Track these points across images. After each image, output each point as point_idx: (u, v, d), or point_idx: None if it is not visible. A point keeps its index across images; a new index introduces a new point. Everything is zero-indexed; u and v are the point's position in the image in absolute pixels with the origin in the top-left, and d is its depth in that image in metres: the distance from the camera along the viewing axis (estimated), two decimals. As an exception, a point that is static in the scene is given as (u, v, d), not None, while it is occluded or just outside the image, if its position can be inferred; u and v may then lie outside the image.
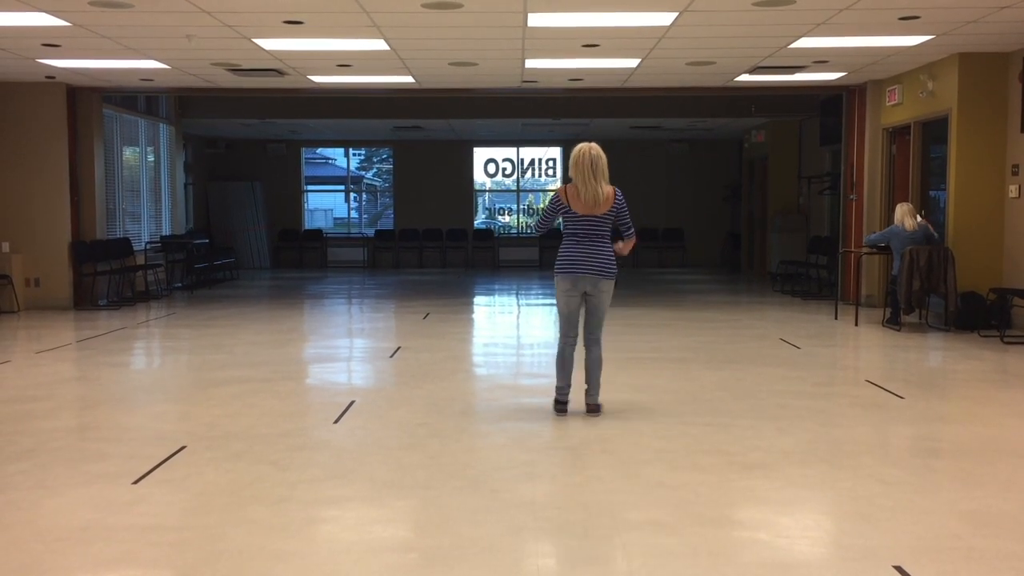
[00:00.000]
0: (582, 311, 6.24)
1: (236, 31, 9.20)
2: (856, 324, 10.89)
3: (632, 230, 6.15)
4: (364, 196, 24.40)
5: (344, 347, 9.85)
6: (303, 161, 22.19)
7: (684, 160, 21.45)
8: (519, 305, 13.99)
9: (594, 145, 6.06)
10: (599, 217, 6.01)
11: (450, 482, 4.78)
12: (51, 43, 9.89)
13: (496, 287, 16.88)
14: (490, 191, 23.13)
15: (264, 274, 19.54)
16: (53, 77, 12.21)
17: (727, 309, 12.80)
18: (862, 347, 9.73)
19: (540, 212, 6.43)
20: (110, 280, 13.33)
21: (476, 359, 9.19)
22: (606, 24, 8.85)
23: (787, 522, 4.21)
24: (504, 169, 22.39)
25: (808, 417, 6.23)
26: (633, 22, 8.80)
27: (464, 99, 15.34)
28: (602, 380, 6.35)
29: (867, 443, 5.66)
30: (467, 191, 22.02)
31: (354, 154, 23.69)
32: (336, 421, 6.17)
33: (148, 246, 14.94)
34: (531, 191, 23.21)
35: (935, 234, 10.51)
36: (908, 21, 8.83)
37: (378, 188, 24.97)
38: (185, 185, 17.99)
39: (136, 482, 4.78)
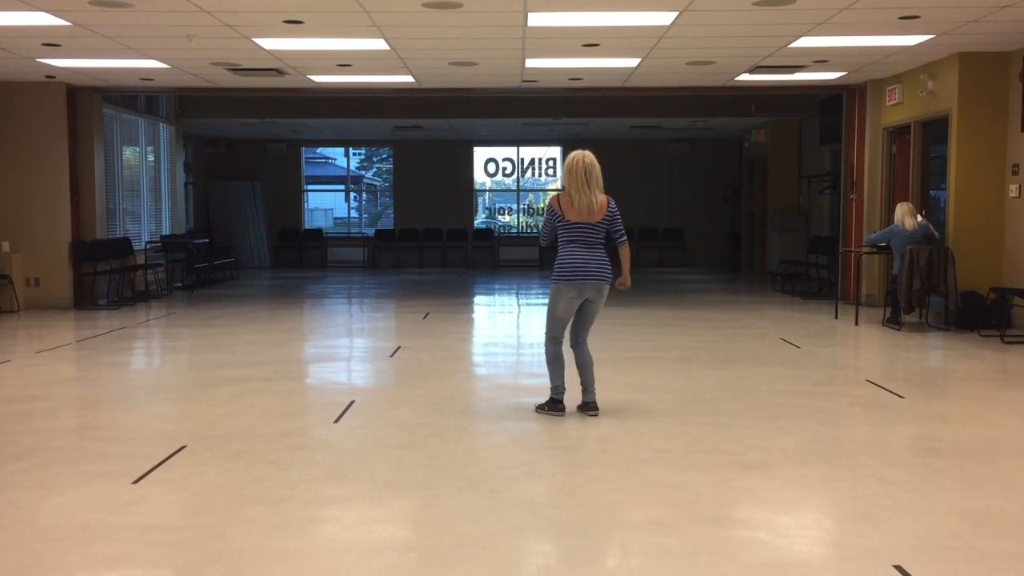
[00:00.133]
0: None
1: (236, 31, 9.20)
2: (856, 324, 10.89)
3: (625, 237, 6.18)
4: (364, 196, 24.41)
5: (344, 347, 9.85)
6: (303, 161, 22.20)
7: (684, 160, 21.45)
8: (519, 305, 13.99)
9: (587, 153, 6.10)
10: (594, 225, 6.04)
11: (450, 482, 4.78)
12: (51, 43, 9.89)
13: (496, 287, 16.89)
14: (490, 191, 23.13)
15: (264, 274, 19.55)
16: (53, 77, 12.21)
17: (727, 309, 12.80)
18: (862, 347, 9.73)
19: (541, 226, 6.47)
20: (110, 280, 13.33)
21: (476, 359, 9.19)
22: (606, 24, 8.85)
23: (787, 521, 4.21)
24: (504, 169, 22.39)
25: (808, 416, 6.23)
26: (633, 22, 8.80)
27: (464, 99, 15.34)
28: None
29: (867, 442, 5.66)
30: (467, 191, 22.02)
31: (354, 154, 23.70)
32: (336, 421, 6.17)
33: (148, 246, 14.94)
34: (531, 191, 23.22)
35: (935, 233, 10.51)
36: (908, 20, 8.83)
37: (378, 188, 24.98)
38: (185, 185, 17.99)
39: (136, 482, 4.78)
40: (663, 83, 12.79)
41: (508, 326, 11.93)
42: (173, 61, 11.02)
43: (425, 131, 19.50)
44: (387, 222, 22.82)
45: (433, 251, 21.70)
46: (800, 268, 14.87)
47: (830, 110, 14.36)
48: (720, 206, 21.21)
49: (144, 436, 5.79)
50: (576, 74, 11.98)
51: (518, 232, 22.34)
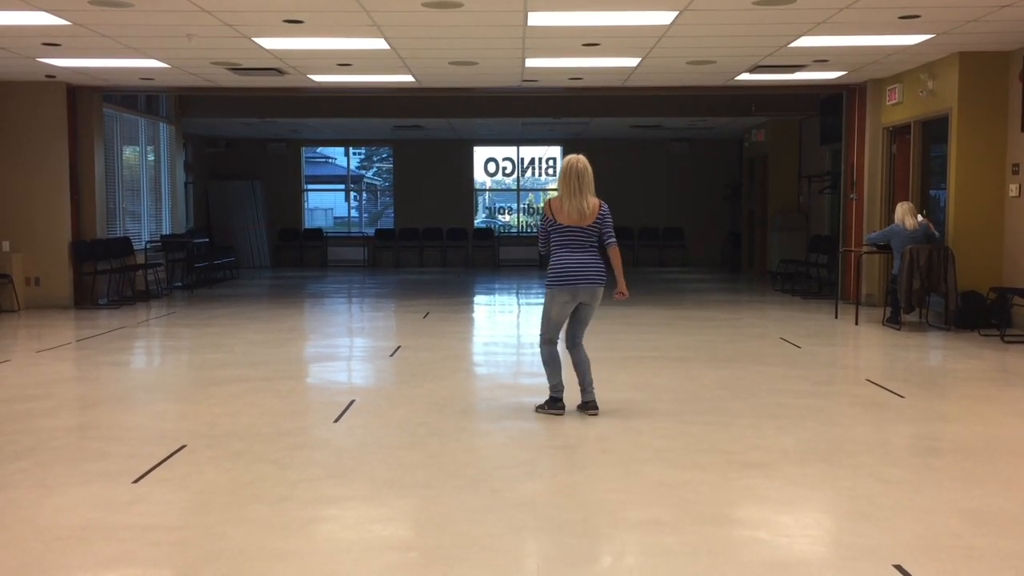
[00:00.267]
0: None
1: (236, 30, 9.20)
2: (856, 323, 10.89)
3: (614, 239, 6.17)
4: (364, 195, 24.40)
5: (344, 346, 9.85)
6: (303, 160, 22.20)
7: (684, 159, 21.44)
8: (519, 304, 13.98)
9: (581, 158, 6.13)
10: (585, 228, 6.06)
11: (450, 481, 4.78)
12: (51, 42, 9.89)
13: (496, 286, 16.89)
14: (490, 190, 23.13)
15: (264, 273, 19.55)
16: (53, 76, 12.21)
17: (727, 308, 12.80)
18: (862, 346, 9.73)
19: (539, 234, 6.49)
20: (110, 279, 13.33)
21: (476, 358, 9.19)
22: (606, 23, 8.85)
23: (787, 521, 4.21)
24: (504, 168, 22.39)
25: (808, 416, 6.23)
26: (633, 21, 8.80)
27: (464, 98, 15.34)
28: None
29: (867, 442, 5.66)
30: (467, 190, 22.02)
31: (354, 153, 23.69)
32: (336, 420, 6.17)
33: (148, 245, 14.94)
34: (531, 190, 23.22)
35: (935, 233, 10.50)
36: (908, 20, 8.83)
37: (378, 187, 24.98)
38: (185, 184, 17.99)
39: (136, 481, 4.78)
40: (663, 83, 12.78)
41: (508, 326, 11.92)
42: (173, 61, 11.02)
43: (425, 131, 19.50)
44: (387, 222, 22.81)
45: (433, 251, 21.70)
46: (800, 268, 14.87)
47: (830, 110, 14.36)
48: (720, 205, 21.20)
49: (144, 435, 5.79)
50: (576, 74, 11.98)
51: (518, 232, 22.34)
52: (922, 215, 10.64)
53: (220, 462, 5.13)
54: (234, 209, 20.60)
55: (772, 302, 13.54)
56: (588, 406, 6.25)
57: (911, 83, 11.57)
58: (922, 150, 11.61)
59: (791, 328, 10.55)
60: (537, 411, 6.31)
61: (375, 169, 25.49)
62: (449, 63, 11.15)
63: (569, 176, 6.05)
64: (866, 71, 11.90)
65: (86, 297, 13.04)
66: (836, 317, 11.50)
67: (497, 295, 15.61)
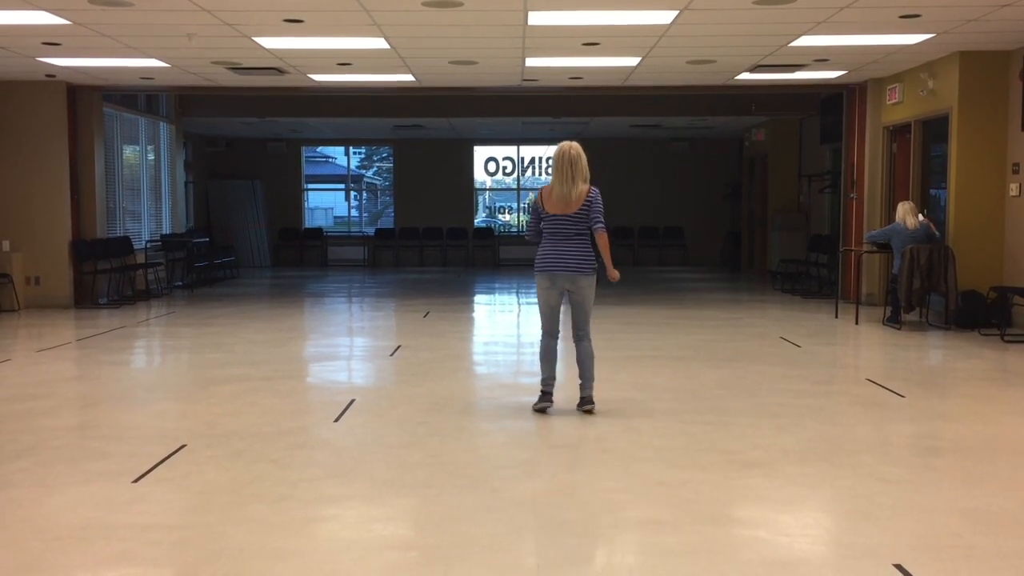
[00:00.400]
0: (565, 308, 6.27)
1: (236, 29, 9.20)
2: (856, 322, 10.89)
3: (601, 224, 6.04)
4: (364, 195, 24.41)
5: (344, 346, 9.85)
6: (303, 160, 22.19)
7: (684, 158, 21.44)
8: (519, 304, 13.98)
9: (575, 145, 6.09)
10: (571, 216, 6.03)
11: (450, 480, 4.78)
12: (51, 41, 9.89)
13: (496, 285, 16.89)
14: (490, 189, 23.13)
15: (264, 273, 19.55)
16: (53, 76, 12.21)
17: (727, 307, 12.80)
18: (862, 345, 9.73)
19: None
20: (110, 279, 13.33)
21: (476, 358, 9.19)
22: (606, 22, 8.85)
23: (787, 520, 4.21)
24: (504, 168, 22.39)
25: (808, 415, 6.23)
26: (633, 20, 8.80)
27: (464, 97, 15.34)
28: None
29: (867, 441, 5.65)
30: (467, 190, 22.02)
31: (354, 153, 23.69)
32: (336, 420, 6.17)
33: (148, 245, 14.94)
34: (531, 189, 23.19)
35: (936, 233, 10.50)
36: (908, 19, 8.83)
37: (378, 187, 24.98)
38: (185, 184, 17.99)
39: (136, 480, 4.78)
40: (663, 82, 12.78)
41: (508, 325, 11.92)
42: (173, 60, 11.02)
43: (425, 130, 19.50)
44: (387, 221, 22.82)
45: (433, 250, 21.70)
46: (800, 267, 14.87)
47: (830, 109, 14.36)
48: (720, 205, 21.20)
49: (144, 435, 5.79)
50: (576, 73, 11.98)
51: (518, 231, 22.33)
52: (923, 215, 10.64)
53: (220, 461, 5.13)
54: (234, 208, 20.61)
55: (772, 301, 13.54)
56: (582, 402, 6.24)
57: (911, 82, 11.57)
58: (922, 149, 11.61)
59: (791, 327, 10.55)
60: (535, 410, 6.31)
61: (375, 168, 25.50)
62: (449, 62, 11.15)
63: (562, 162, 6.00)
64: (866, 70, 11.89)
65: (86, 296, 13.04)
66: (836, 316, 11.50)
67: (497, 294, 15.61)
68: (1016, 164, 10.27)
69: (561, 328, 6.38)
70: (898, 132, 12.26)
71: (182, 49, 10.18)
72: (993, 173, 10.52)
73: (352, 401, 6.70)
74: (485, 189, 22.98)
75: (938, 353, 9.02)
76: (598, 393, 6.32)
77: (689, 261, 21.40)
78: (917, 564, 3.64)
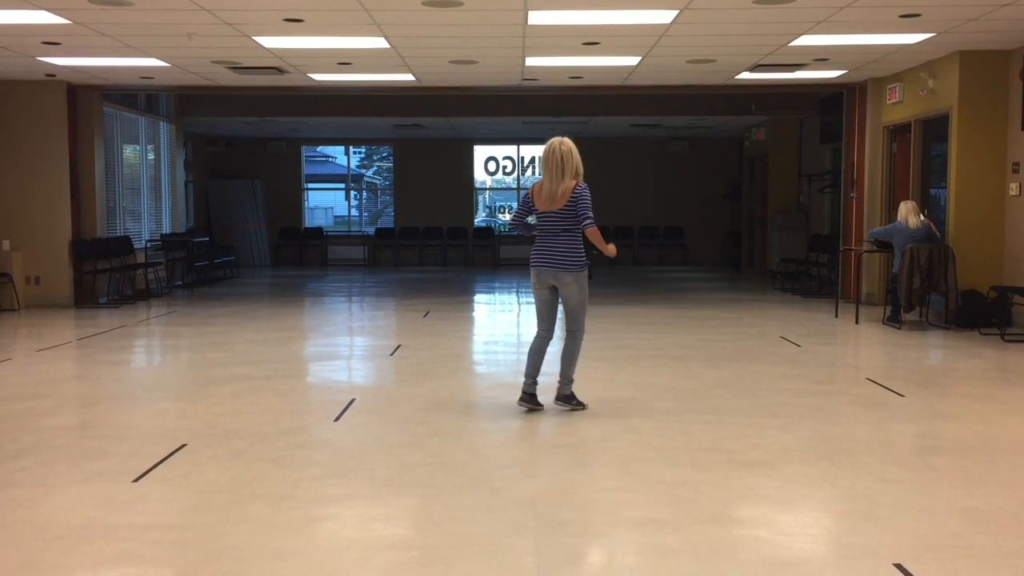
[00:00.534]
0: (559, 307, 6.27)
1: (236, 29, 9.19)
2: (856, 322, 10.89)
3: (589, 220, 5.96)
4: (364, 194, 24.41)
5: (344, 345, 9.85)
6: (303, 159, 22.19)
7: (684, 158, 21.44)
8: (519, 303, 13.98)
9: (565, 140, 6.05)
10: (557, 212, 6.01)
11: (450, 480, 4.78)
12: (51, 41, 9.89)
13: (496, 285, 16.88)
14: (490, 189, 23.13)
15: (264, 272, 19.55)
16: (53, 75, 12.21)
17: (727, 307, 12.79)
18: (862, 345, 9.73)
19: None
20: (110, 278, 13.33)
21: (476, 357, 9.19)
22: (606, 22, 8.85)
23: (787, 520, 4.21)
24: (504, 167, 22.39)
25: (808, 415, 6.23)
26: (633, 20, 8.80)
27: (464, 97, 15.34)
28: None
29: (867, 441, 5.65)
30: (467, 189, 22.02)
31: (354, 152, 23.69)
32: (337, 419, 6.17)
33: (148, 244, 14.94)
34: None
35: (937, 233, 10.49)
36: (909, 19, 8.83)
37: (378, 186, 24.98)
38: (185, 183, 17.99)
39: (136, 480, 4.78)
40: (663, 81, 12.78)
41: (508, 324, 11.92)
42: (173, 59, 11.01)
43: (425, 129, 19.50)
44: (387, 220, 22.82)
45: (433, 249, 21.70)
46: (800, 266, 14.87)
47: (830, 108, 14.36)
48: (720, 204, 21.21)
49: (144, 434, 5.79)
50: (576, 72, 11.98)
51: (518, 231, 22.29)
52: (923, 216, 10.63)
53: (220, 461, 5.13)
54: (234, 208, 20.61)
55: (772, 301, 13.54)
56: (557, 399, 6.26)
57: (911, 82, 11.56)
58: (922, 149, 11.61)
59: (791, 327, 10.55)
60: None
61: (375, 168, 25.51)
62: (449, 62, 11.15)
63: (552, 159, 5.97)
64: (866, 70, 11.89)
65: (86, 296, 13.05)
66: (836, 316, 11.50)
67: (497, 294, 15.60)
68: (1016, 163, 10.27)
69: (558, 329, 6.37)
70: (898, 132, 12.26)
71: (182, 48, 10.18)
72: (993, 173, 10.52)
73: (352, 401, 6.70)
74: (485, 189, 22.98)
75: (938, 352, 9.02)
76: (598, 392, 6.32)
77: (689, 261, 21.40)
78: (917, 564, 3.64)
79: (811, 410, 6.37)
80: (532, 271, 6.19)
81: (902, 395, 6.86)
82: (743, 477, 4.83)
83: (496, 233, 22.00)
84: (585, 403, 6.34)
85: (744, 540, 3.94)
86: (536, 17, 8.62)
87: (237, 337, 9.96)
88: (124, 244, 14.00)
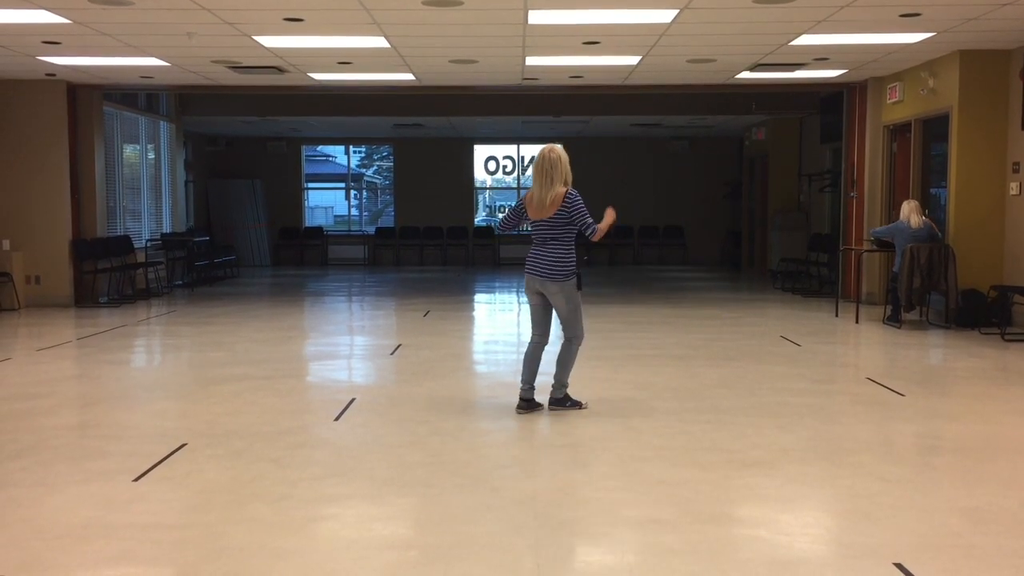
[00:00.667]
0: (552, 314, 6.26)
1: (236, 28, 9.19)
2: (857, 321, 10.89)
3: (591, 229, 5.94)
4: (365, 194, 24.41)
5: (345, 345, 9.85)
6: (303, 159, 22.19)
7: (684, 158, 21.44)
8: (519, 303, 13.98)
9: (555, 147, 6.04)
10: (546, 221, 5.99)
11: (450, 480, 4.78)
12: (52, 40, 9.89)
13: (496, 285, 16.88)
14: (491, 189, 23.13)
15: (264, 272, 19.55)
16: (54, 74, 12.21)
17: (728, 306, 12.79)
18: (863, 344, 9.73)
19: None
20: (111, 278, 13.33)
21: (477, 357, 9.19)
22: (607, 21, 8.85)
23: (787, 519, 4.21)
24: (505, 167, 22.38)
25: (808, 414, 6.23)
26: (634, 19, 8.79)
27: (465, 96, 15.34)
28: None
29: (867, 440, 5.65)
30: (468, 189, 22.01)
31: (354, 151, 23.70)
32: (337, 419, 6.17)
33: (148, 244, 14.94)
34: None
35: (939, 233, 10.49)
36: (909, 18, 8.82)
37: (379, 185, 24.99)
38: (185, 183, 17.99)
39: (137, 480, 4.78)
40: (663, 81, 12.78)
41: (508, 324, 11.92)
42: (173, 59, 11.01)
43: (425, 129, 19.50)
44: (388, 220, 22.82)
45: (434, 249, 21.70)
46: (800, 266, 14.87)
47: (830, 108, 14.35)
48: (720, 204, 21.20)
49: (144, 434, 5.79)
50: (576, 72, 11.98)
51: (518, 231, 22.29)
52: (925, 216, 10.63)
53: (220, 461, 5.14)
54: (234, 208, 20.61)
55: (772, 300, 13.54)
56: (550, 404, 6.27)
57: (912, 81, 11.56)
58: (923, 148, 11.61)
59: (791, 326, 10.55)
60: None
61: (375, 167, 25.51)
62: (449, 61, 11.15)
63: (540, 166, 5.96)
64: (866, 69, 11.89)
65: (86, 295, 13.05)
66: (836, 315, 11.50)
67: (497, 294, 15.60)
68: (1016, 163, 10.26)
69: (553, 334, 6.37)
70: (898, 131, 12.25)
71: (182, 48, 10.18)
72: (993, 172, 10.51)
73: (352, 400, 6.70)
74: (485, 188, 22.98)
75: (938, 352, 9.02)
76: (598, 392, 6.32)
77: (689, 260, 21.40)
78: (917, 563, 3.64)
79: (811, 409, 6.37)
80: (525, 277, 6.19)
81: (902, 394, 6.86)
82: (743, 477, 4.83)
83: (496, 233, 21.98)
84: (583, 402, 6.35)
85: (744, 540, 3.94)
86: (536, 16, 8.62)
87: (237, 337, 9.96)
88: (124, 244, 14.00)
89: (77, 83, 12.81)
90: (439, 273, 19.18)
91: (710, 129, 19.66)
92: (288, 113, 16.65)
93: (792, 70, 11.80)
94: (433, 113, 16.67)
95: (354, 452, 5.36)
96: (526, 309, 6.36)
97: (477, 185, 22.37)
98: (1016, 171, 10.27)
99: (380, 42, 9.87)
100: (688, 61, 11.12)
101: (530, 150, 22.21)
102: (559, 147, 6.05)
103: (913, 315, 10.77)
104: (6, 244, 12.66)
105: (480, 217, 22.60)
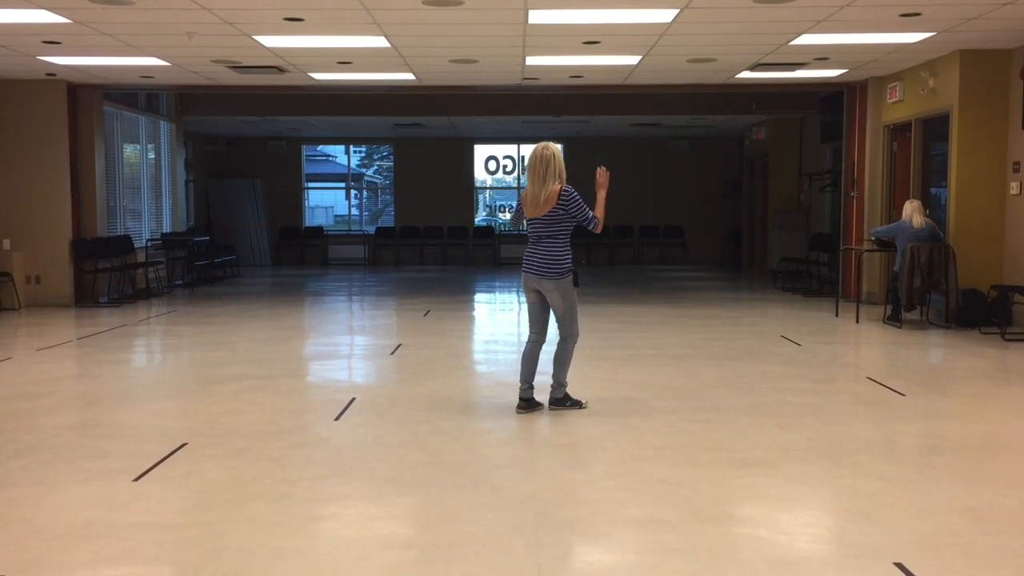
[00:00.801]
0: (549, 312, 6.25)
1: (236, 28, 9.19)
2: (857, 321, 10.89)
3: (593, 222, 5.98)
4: (365, 193, 24.40)
5: (345, 344, 9.85)
6: (304, 158, 22.19)
7: (685, 157, 21.44)
8: (519, 302, 13.98)
9: (549, 145, 6.05)
10: (541, 219, 5.99)
11: (451, 479, 4.78)
12: (52, 40, 9.89)
13: (496, 284, 16.88)
14: (491, 188, 23.13)
15: (265, 272, 19.55)
16: (54, 74, 12.21)
17: (728, 306, 12.79)
18: (863, 344, 9.73)
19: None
20: (111, 277, 13.33)
21: (477, 356, 9.19)
22: (607, 21, 8.84)
23: (787, 519, 4.21)
24: (505, 166, 22.38)
25: (809, 414, 6.23)
26: (634, 19, 8.79)
27: (465, 96, 15.35)
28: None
29: (868, 440, 5.65)
30: (468, 188, 22.01)
31: (355, 151, 23.69)
32: (337, 418, 6.17)
33: (149, 243, 14.94)
34: (532, 188, 23.17)
35: (941, 234, 10.48)
36: (909, 18, 8.82)
37: (379, 185, 24.98)
38: (186, 182, 17.99)
39: (137, 479, 4.78)
40: (664, 80, 12.78)
41: (508, 324, 11.92)
42: (173, 59, 11.01)
43: (426, 129, 19.50)
44: (388, 220, 22.82)
45: (434, 249, 21.70)
46: (801, 266, 14.87)
47: (831, 107, 14.35)
48: (720, 204, 21.20)
49: (145, 434, 5.79)
50: (577, 72, 11.98)
51: (518, 230, 22.32)
52: (926, 216, 10.62)
53: (221, 460, 5.14)
54: (234, 207, 20.61)
55: (773, 300, 13.54)
56: (550, 404, 6.27)
57: (912, 81, 11.56)
58: (923, 148, 11.61)
59: (792, 326, 10.55)
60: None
61: (376, 167, 25.50)
62: (450, 61, 11.14)
63: (535, 164, 5.97)
64: (867, 69, 11.89)
65: (87, 295, 13.05)
66: (837, 315, 11.50)
67: (497, 293, 15.60)
68: (1016, 163, 10.26)
69: (551, 333, 6.37)
70: (899, 131, 12.25)
71: (182, 48, 10.18)
72: (994, 172, 10.51)
73: (352, 400, 6.70)
74: (485, 188, 22.98)
75: (939, 352, 9.02)
76: (598, 392, 6.32)
77: (689, 260, 21.40)
78: (918, 563, 3.64)
79: (811, 409, 6.37)
80: (522, 276, 6.20)
81: (903, 394, 6.86)
82: (743, 476, 4.83)
83: (496, 232, 21.99)
84: (583, 401, 6.35)
85: (744, 539, 3.94)
86: (536, 16, 8.62)
87: (237, 336, 9.96)
88: (124, 243, 14.00)
89: (77, 83, 12.81)
90: (439, 273, 19.18)
91: (710, 129, 19.66)
92: (288, 113, 16.66)
93: (792, 70, 11.80)
94: (433, 113, 16.67)
95: (354, 452, 5.36)
96: (526, 309, 6.35)
97: (477, 185, 22.37)
98: (1016, 171, 10.27)
99: (380, 42, 9.87)
100: (688, 61, 11.12)
101: (530, 150, 22.13)
102: (553, 144, 6.07)
103: (913, 315, 10.77)
104: (6, 244, 12.66)
105: (480, 217, 22.60)
